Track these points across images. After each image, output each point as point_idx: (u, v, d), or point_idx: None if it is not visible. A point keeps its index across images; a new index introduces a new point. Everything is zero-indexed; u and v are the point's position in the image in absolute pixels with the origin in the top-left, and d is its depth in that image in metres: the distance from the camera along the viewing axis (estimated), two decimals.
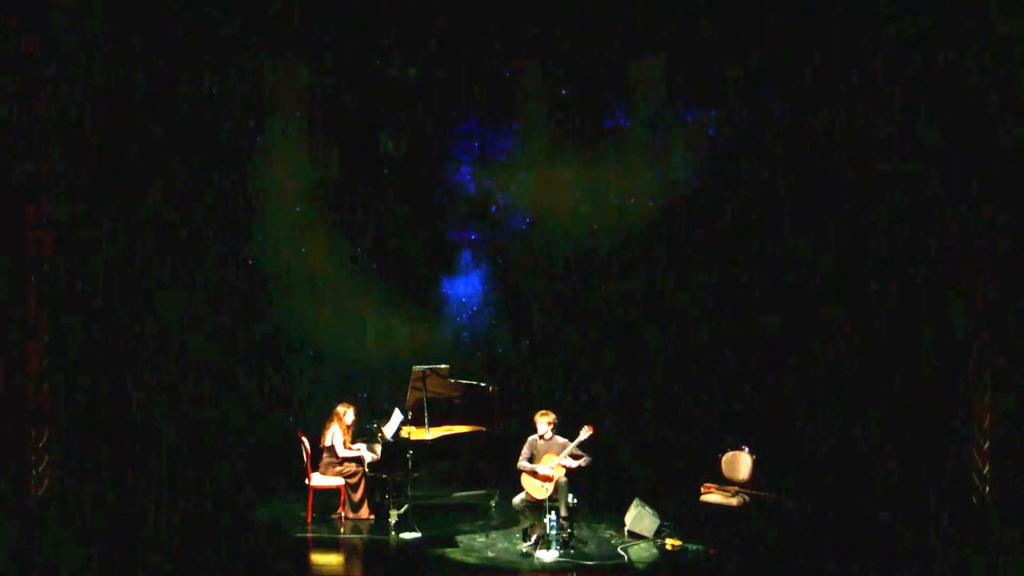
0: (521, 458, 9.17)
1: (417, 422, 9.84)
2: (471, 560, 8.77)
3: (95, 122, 10.10)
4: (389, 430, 9.82)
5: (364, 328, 12.29)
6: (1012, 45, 9.06)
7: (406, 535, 9.32)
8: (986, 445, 9.23)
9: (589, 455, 9.05)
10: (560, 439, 9.14)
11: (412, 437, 9.68)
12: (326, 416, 10.14)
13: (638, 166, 11.97)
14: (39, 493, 9.13)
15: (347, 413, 9.95)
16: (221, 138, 11.57)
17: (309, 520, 9.77)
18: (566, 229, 12.20)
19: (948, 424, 9.63)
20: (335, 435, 9.85)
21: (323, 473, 9.87)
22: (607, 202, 12.06)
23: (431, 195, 12.30)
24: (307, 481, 9.84)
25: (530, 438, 9.23)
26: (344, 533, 9.57)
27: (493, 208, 12.26)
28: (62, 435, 9.41)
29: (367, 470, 9.83)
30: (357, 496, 9.88)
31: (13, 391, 9.11)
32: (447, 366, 9.98)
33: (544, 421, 9.13)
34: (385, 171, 12.22)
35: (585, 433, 8.99)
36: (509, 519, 9.58)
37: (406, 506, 9.55)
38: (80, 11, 9.62)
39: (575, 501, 8.96)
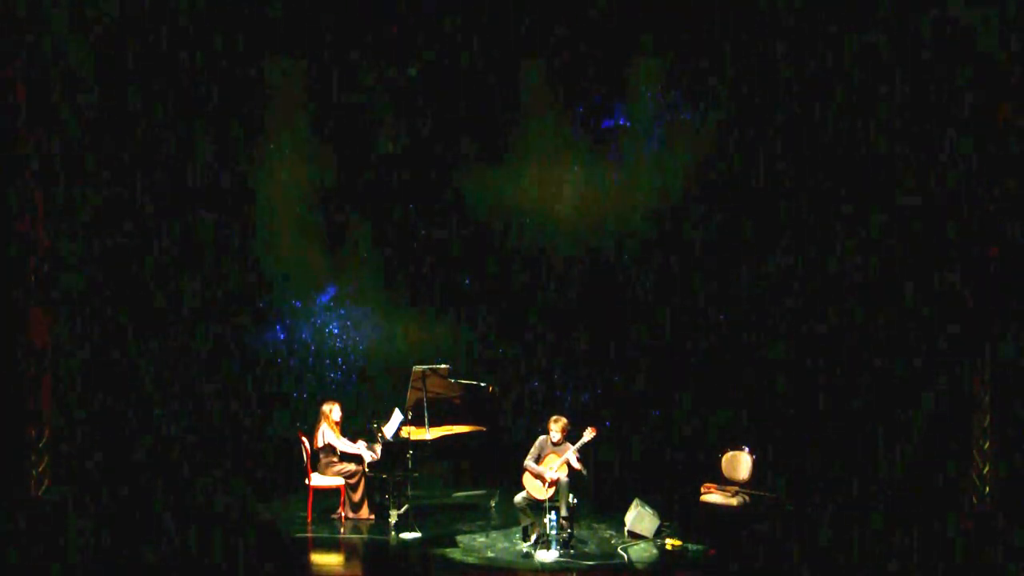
0: (529, 456, 9.18)
1: (417, 422, 9.84)
2: (471, 560, 8.77)
3: (95, 122, 10.11)
4: (389, 430, 9.82)
5: (364, 328, 12.30)
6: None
7: (406, 535, 9.32)
8: (986, 445, 9.23)
9: (587, 466, 9.05)
10: (569, 444, 9.13)
11: (412, 437, 9.67)
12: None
13: (638, 166, 11.99)
14: (39, 493, 9.13)
15: (333, 410, 9.95)
16: (221, 138, 11.58)
17: (309, 520, 9.77)
18: (566, 229, 12.21)
19: (948, 424, 9.63)
20: (326, 433, 9.85)
21: (323, 473, 9.87)
22: (607, 202, 12.07)
23: (430, 195, 12.30)
24: (307, 481, 9.84)
25: (540, 437, 9.25)
26: (344, 533, 9.57)
27: (493, 208, 12.25)
28: (62, 435, 9.41)
29: (367, 470, 9.83)
30: (357, 496, 9.88)
31: (13, 391, 9.11)
32: (447, 366, 9.98)
33: (557, 427, 9.13)
34: (385, 171, 12.23)
35: (588, 435, 8.99)
36: (509, 519, 9.58)
37: (406, 506, 9.55)
38: (80, 10, 9.63)
39: (575, 501, 8.97)
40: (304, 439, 9.86)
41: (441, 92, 11.95)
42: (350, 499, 9.86)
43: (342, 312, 12.44)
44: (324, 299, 12.43)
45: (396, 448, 9.60)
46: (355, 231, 12.28)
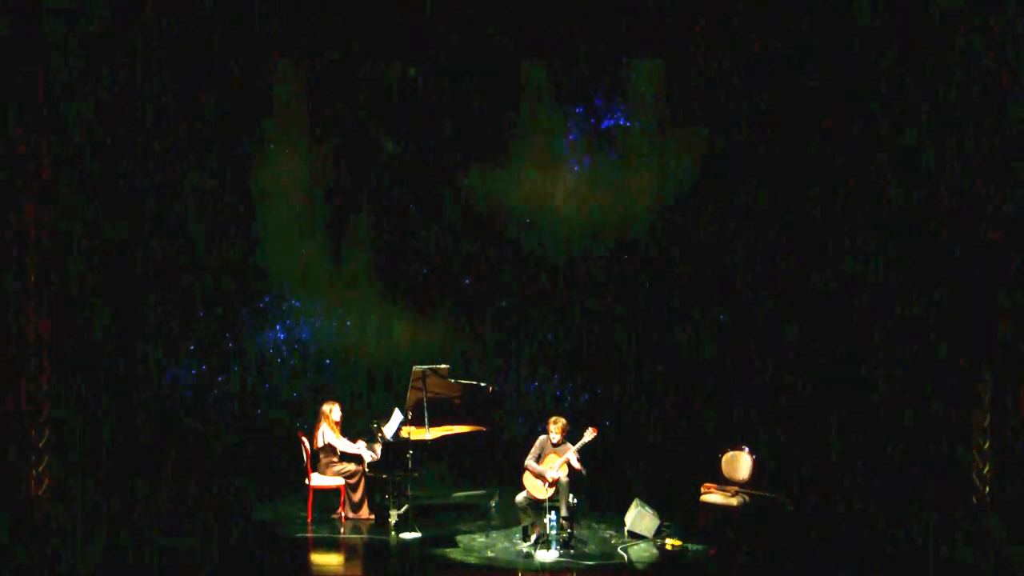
0: (530, 456, 9.20)
1: (417, 422, 9.84)
2: (471, 560, 8.77)
3: (94, 122, 10.12)
4: (389, 430, 9.82)
5: (365, 328, 12.30)
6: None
7: (406, 535, 9.32)
8: (986, 445, 9.24)
9: (585, 466, 9.05)
10: (569, 444, 9.14)
11: (412, 437, 9.68)
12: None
13: (638, 166, 11.99)
14: (39, 493, 9.13)
15: (333, 410, 9.95)
16: (221, 138, 11.59)
17: (309, 520, 9.77)
18: (566, 229, 12.21)
19: (948, 424, 9.64)
20: (326, 433, 9.85)
21: (323, 473, 9.87)
22: (607, 202, 12.07)
23: (430, 195, 12.30)
24: (307, 481, 9.85)
25: (541, 437, 9.26)
26: (344, 533, 9.57)
27: (493, 208, 12.25)
28: (62, 435, 9.42)
29: (367, 470, 9.83)
30: (357, 496, 9.88)
31: (13, 391, 9.12)
32: (447, 366, 9.98)
33: (556, 428, 9.14)
34: (385, 171, 12.24)
35: (589, 435, 9.00)
36: (509, 519, 9.59)
37: (406, 506, 9.55)
38: (80, 11, 9.63)
39: (575, 501, 8.97)
40: (304, 439, 9.86)
41: (441, 92, 11.96)
42: (350, 499, 9.86)
43: (342, 312, 12.43)
44: (323, 301, 12.42)
45: (396, 448, 9.61)
46: (355, 231, 12.26)
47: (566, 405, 12.09)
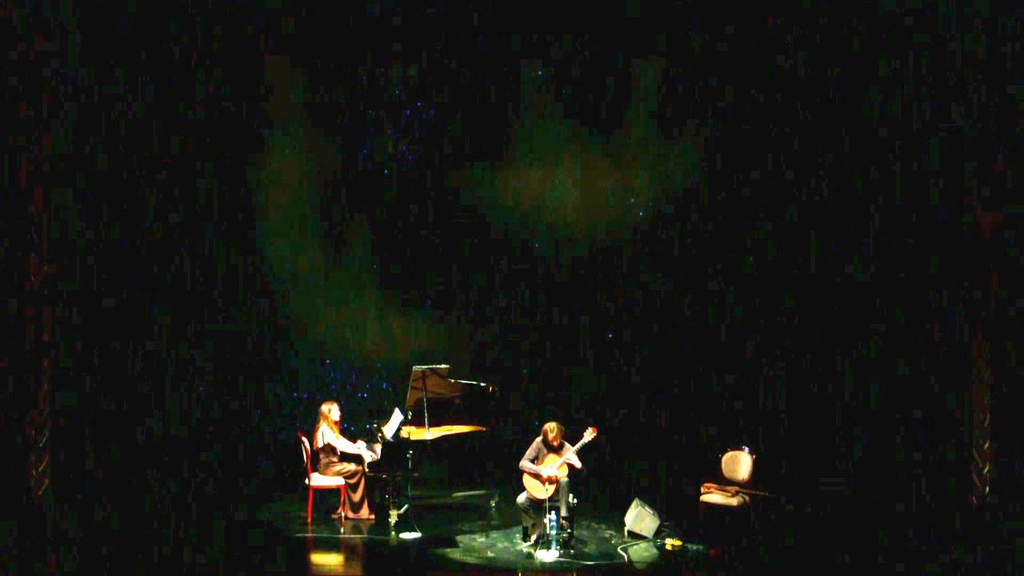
0: (524, 458, 9.19)
1: (417, 422, 9.84)
2: (471, 560, 8.77)
3: (95, 123, 10.12)
4: (389, 430, 9.82)
5: (364, 328, 12.31)
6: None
7: (406, 535, 9.32)
8: (986, 445, 9.25)
9: (586, 464, 9.05)
10: (568, 445, 9.14)
11: (412, 437, 9.68)
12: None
13: (638, 167, 11.99)
14: (39, 493, 9.14)
15: (332, 410, 9.96)
16: (221, 139, 11.59)
17: (309, 520, 9.77)
18: (566, 229, 12.22)
19: (948, 422, 9.65)
20: (326, 433, 9.86)
21: (323, 473, 9.87)
22: (607, 202, 12.08)
23: (430, 195, 12.30)
24: (307, 481, 9.85)
25: (537, 439, 9.26)
26: (344, 533, 9.57)
27: (493, 208, 12.25)
28: (62, 435, 9.42)
29: (367, 470, 9.83)
30: (357, 496, 9.88)
31: (13, 391, 9.12)
32: (447, 366, 9.98)
33: (552, 435, 9.14)
34: (385, 171, 12.25)
35: (589, 435, 9.01)
36: (509, 519, 9.59)
37: (406, 506, 9.56)
38: (80, 10, 9.64)
39: (575, 501, 8.97)
40: (304, 439, 9.86)
41: (441, 92, 11.97)
42: (350, 499, 9.86)
43: (342, 312, 12.42)
44: (323, 301, 12.42)
45: (396, 448, 9.61)
46: (355, 231, 12.27)
47: (565, 405, 12.08)
